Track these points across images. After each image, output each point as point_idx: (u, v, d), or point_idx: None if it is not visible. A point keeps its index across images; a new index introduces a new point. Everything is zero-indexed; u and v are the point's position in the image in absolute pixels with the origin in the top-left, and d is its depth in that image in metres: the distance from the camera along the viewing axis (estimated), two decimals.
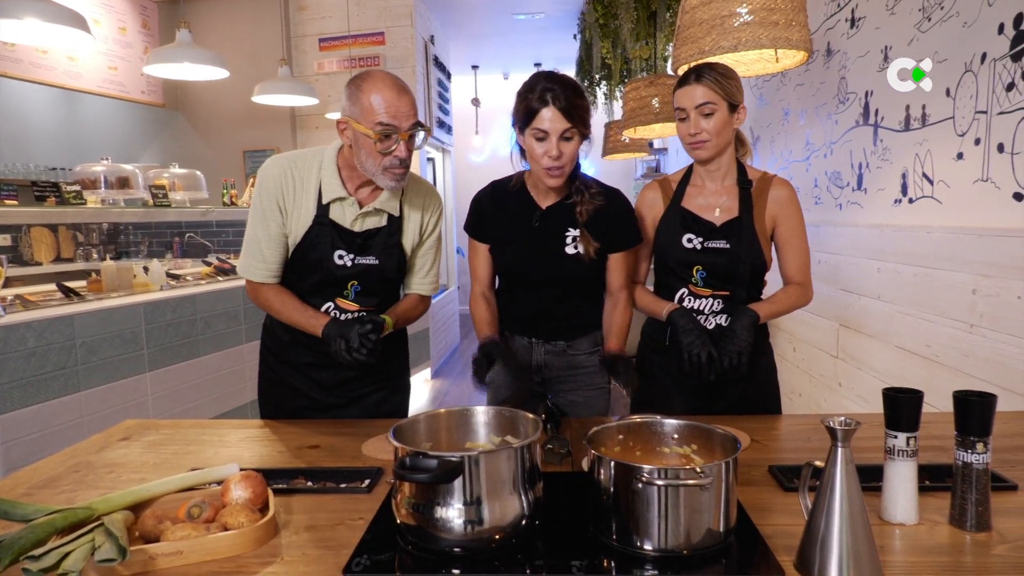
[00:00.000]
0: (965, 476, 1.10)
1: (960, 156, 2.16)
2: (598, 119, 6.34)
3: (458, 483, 0.97)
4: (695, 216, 1.78)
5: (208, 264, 3.93)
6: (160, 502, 1.20)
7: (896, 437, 1.11)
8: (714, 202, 1.78)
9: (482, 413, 1.17)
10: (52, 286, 3.13)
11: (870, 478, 1.24)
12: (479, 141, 9.69)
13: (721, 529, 1.00)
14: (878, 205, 2.74)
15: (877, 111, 2.75)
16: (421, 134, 1.63)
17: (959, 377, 2.11)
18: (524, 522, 1.02)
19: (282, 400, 1.86)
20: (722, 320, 1.75)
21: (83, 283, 3.14)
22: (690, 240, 1.76)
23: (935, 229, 2.29)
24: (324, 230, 1.68)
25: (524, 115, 1.64)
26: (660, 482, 0.93)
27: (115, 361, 2.61)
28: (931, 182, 2.34)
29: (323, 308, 1.73)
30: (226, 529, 1.10)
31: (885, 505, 1.13)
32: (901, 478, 1.11)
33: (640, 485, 0.94)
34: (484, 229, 1.84)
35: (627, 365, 1.67)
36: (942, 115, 2.26)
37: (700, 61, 1.80)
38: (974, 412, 1.09)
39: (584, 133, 1.66)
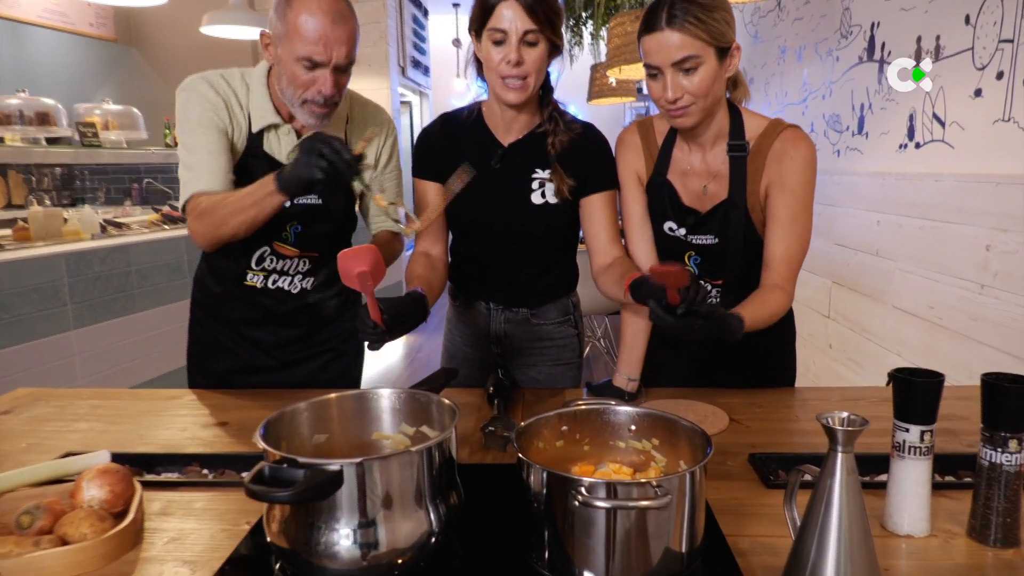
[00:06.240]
0: (991, 479, 0.88)
1: (978, 93, 1.90)
2: (583, 61, 6.04)
3: (343, 497, 0.74)
4: (678, 200, 1.42)
5: (157, 211, 3.64)
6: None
7: (907, 431, 0.89)
8: (703, 172, 1.40)
9: (388, 397, 0.93)
10: None
11: (867, 470, 1.03)
12: (461, 84, 9.25)
13: (684, 550, 0.78)
14: (880, 151, 2.49)
15: (884, 45, 2.47)
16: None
17: (965, 344, 1.90)
18: (434, 540, 0.80)
19: (212, 362, 1.65)
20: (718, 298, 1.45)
21: (8, 232, 2.85)
22: (672, 229, 1.43)
23: (945, 177, 2.04)
24: (258, 164, 1.43)
25: (480, 13, 1.35)
26: (603, 504, 0.70)
27: (32, 318, 2.35)
28: (942, 124, 2.08)
29: (257, 253, 1.51)
30: (64, 543, 0.87)
31: (890, 512, 0.92)
32: (912, 481, 0.90)
33: (577, 503, 0.71)
34: (435, 168, 1.53)
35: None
36: (959, 46, 1.99)
37: None
38: (1008, 401, 0.86)
39: (554, 41, 1.36)
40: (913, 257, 2.20)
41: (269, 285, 1.54)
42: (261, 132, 1.45)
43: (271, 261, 1.53)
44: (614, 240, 1.48)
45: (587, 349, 4.71)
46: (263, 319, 1.57)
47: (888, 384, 0.87)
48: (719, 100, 1.33)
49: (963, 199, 1.94)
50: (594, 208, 1.49)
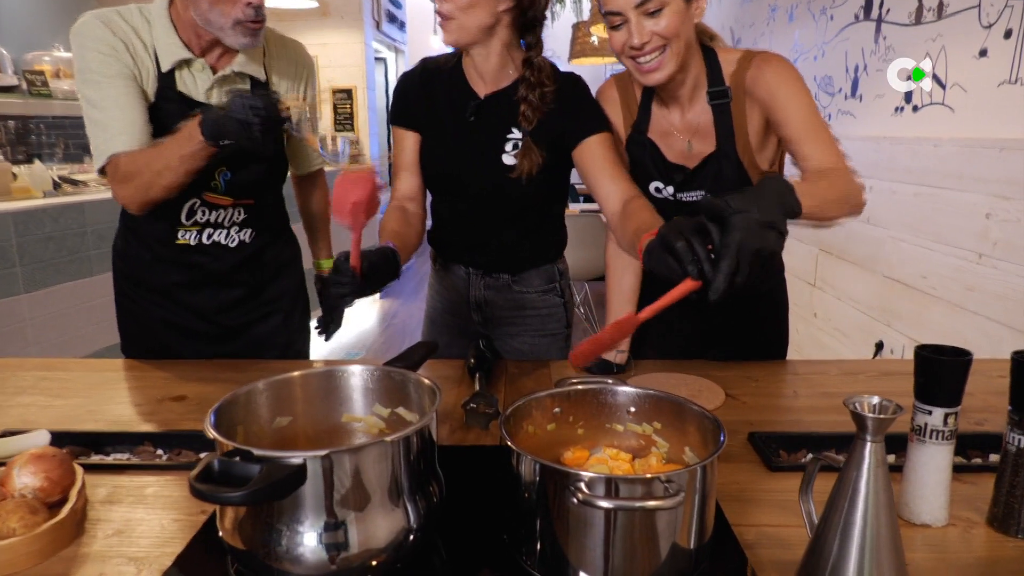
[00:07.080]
0: (1018, 466, 0.82)
1: (983, 53, 1.82)
2: (565, 18, 5.84)
3: (307, 495, 0.64)
4: (662, 158, 1.32)
5: None
6: None
7: (930, 413, 0.82)
8: (684, 129, 1.31)
9: (360, 375, 0.83)
10: None
11: None
12: (437, 41, 8.98)
13: (692, 547, 0.70)
14: (875, 114, 2.41)
15: (882, 3, 2.36)
16: None
17: (959, 314, 1.84)
18: (412, 537, 0.71)
19: (147, 336, 1.52)
20: None
21: None
22: (659, 190, 1.33)
23: (944, 142, 1.97)
24: (173, 107, 1.31)
25: None
26: (606, 504, 0.61)
27: None
28: (943, 86, 2.00)
29: (187, 207, 1.39)
30: None
31: (906, 500, 0.85)
32: (933, 467, 0.83)
33: (575, 501, 0.62)
34: (412, 117, 1.43)
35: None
36: (964, 3, 1.90)
37: None
38: None
39: None
40: (907, 225, 2.14)
41: (204, 240, 1.42)
42: (172, 71, 1.33)
43: (203, 213, 1.41)
44: (616, 177, 1.28)
45: None
46: (201, 281, 1.45)
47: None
48: (692, 47, 1.22)
49: (963, 165, 1.87)
50: (588, 154, 1.32)
